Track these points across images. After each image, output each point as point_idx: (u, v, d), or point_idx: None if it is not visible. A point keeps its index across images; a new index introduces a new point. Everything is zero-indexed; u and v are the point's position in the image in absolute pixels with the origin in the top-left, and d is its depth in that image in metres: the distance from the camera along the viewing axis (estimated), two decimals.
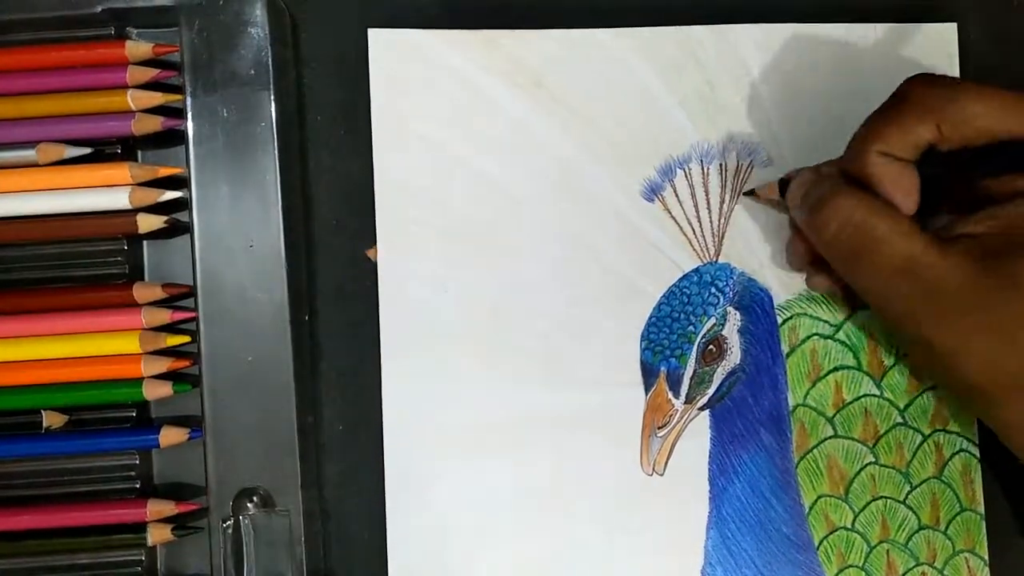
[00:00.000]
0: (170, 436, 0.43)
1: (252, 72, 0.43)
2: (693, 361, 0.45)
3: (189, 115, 0.43)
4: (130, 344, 0.43)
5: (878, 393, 0.45)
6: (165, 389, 0.43)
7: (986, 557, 0.45)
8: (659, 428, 0.45)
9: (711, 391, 0.45)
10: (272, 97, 0.43)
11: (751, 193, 0.46)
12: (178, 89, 0.43)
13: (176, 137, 0.44)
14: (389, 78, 0.46)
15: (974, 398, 0.38)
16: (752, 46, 0.46)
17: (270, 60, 0.43)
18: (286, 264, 0.43)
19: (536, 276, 0.45)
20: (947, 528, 0.45)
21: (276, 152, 0.43)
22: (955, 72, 0.46)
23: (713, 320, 0.45)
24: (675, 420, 0.45)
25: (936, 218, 0.40)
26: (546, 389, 0.45)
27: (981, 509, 0.45)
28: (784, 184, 0.43)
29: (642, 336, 0.45)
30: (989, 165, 0.38)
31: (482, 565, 0.45)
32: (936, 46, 0.46)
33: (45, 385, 0.43)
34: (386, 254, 0.45)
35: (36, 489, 0.43)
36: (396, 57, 0.46)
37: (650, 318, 0.46)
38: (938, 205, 0.40)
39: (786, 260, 0.46)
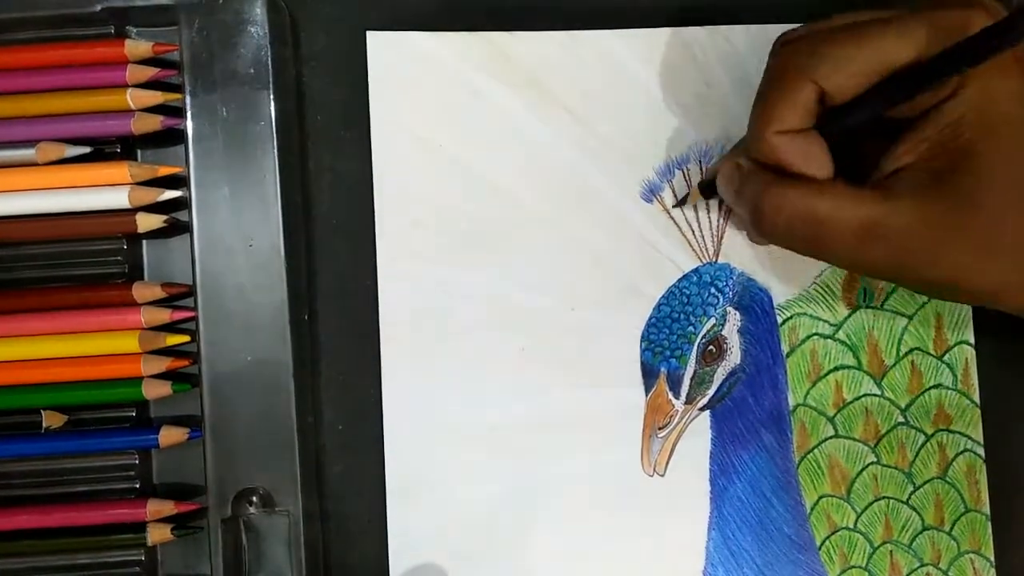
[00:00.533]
0: (170, 436, 0.43)
1: (252, 71, 0.43)
2: (693, 361, 0.45)
3: (189, 114, 0.43)
4: (129, 343, 0.43)
5: (879, 393, 0.45)
6: (164, 388, 0.43)
7: (992, 558, 0.45)
8: (660, 429, 0.45)
9: (711, 391, 0.45)
10: (272, 96, 0.43)
11: (683, 202, 0.45)
12: (178, 88, 0.43)
13: (176, 136, 0.44)
14: (388, 80, 0.45)
15: (990, 303, 0.37)
16: (750, 47, 0.46)
17: (270, 59, 0.43)
18: (286, 263, 0.43)
19: (535, 277, 0.45)
20: (952, 529, 0.45)
21: (276, 151, 0.43)
22: None
23: (713, 320, 0.45)
24: (676, 420, 0.45)
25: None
26: (546, 390, 0.45)
27: (986, 510, 0.45)
28: (705, 187, 0.43)
29: (642, 337, 0.45)
30: (887, 94, 0.36)
31: (482, 565, 0.44)
32: None
33: (44, 384, 0.43)
34: (385, 255, 0.45)
35: (36, 489, 0.43)
36: (395, 59, 0.45)
37: (650, 319, 0.45)
38: (863, 150, 0.39)
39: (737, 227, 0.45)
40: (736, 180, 0.40)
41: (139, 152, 0.45)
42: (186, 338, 0.44)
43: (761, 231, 0.38)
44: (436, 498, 0.44)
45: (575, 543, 0.45)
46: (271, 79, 0.43)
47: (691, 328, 0.45)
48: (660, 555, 0.45)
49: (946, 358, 0.45)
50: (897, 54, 0.35)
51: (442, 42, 0.45)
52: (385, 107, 0.45)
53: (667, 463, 0.45)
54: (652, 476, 0.45)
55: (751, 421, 0.45)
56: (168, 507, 0.43)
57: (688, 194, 0.45)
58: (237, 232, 0.43)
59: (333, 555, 0.45)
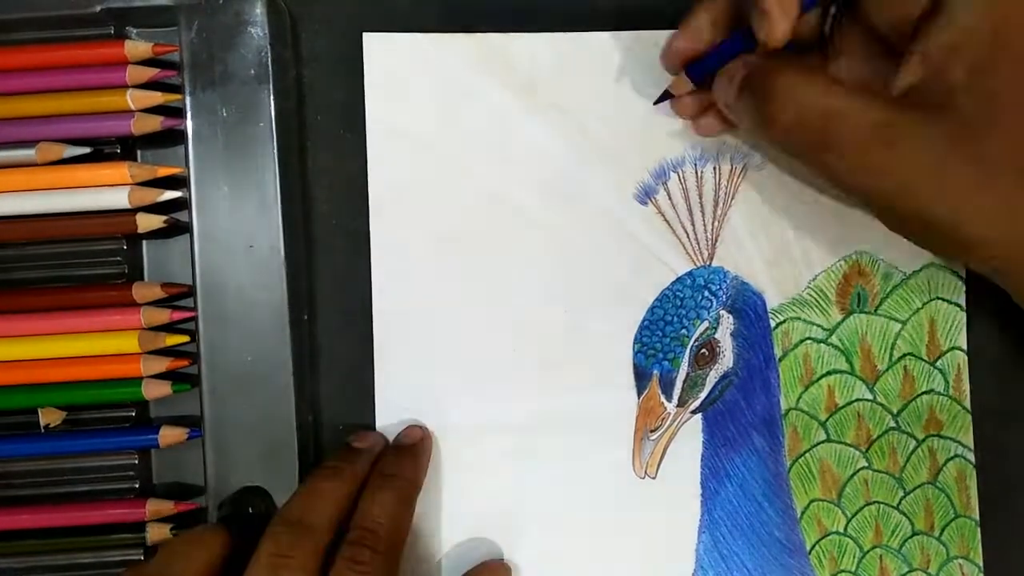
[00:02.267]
0: (169, 436, 0.43)
1: (252, 72, 0.42)
2: (686, 364, 0.44)
3: (188, 115, 0.42)
4: (129, 343, 0.42)
5: (871, 398, 0.45)
6: (164, 389, 0.43)
7: (981, 564, 0.44)
8: (651, 431, 0.44)
9: (703, 394, 0.45)
10: (272, 97, 0.42)
11: (666, 97, 0.43)
12: (177, 89, 0.42)
13: (176, 137, 0.43)
14: (384, 81, 0.44)
15: (977, 251, 0.35)
16: None
17: (270, 60, 0.42)
18: (285, 264, 0.42)
19: (529, 279, 0.45)
20: (941, 534, 0.44)
21: (276, 152, 0.42)
22: None
23: (706, 324, 0.45)
24: (667, 423, 0.45)
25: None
26: (539, 392, 0.44)
27: (976, 515, 0.45)
28: (695, 71, 0.40)
29: (635, 339, 0.45)
30: None
31: (473, 565, 0.43)
32: None
33: (44, 384, 0.42)
34: (380, 256, 0.44)
35: (35, 488, 0.43)
36: (391, 61, 0.44)
37: (643, 321, 0.45)
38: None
39: (673, 109, 0.43)
40: (740, 77, 0.37)
41: (139, 153, 0.45)
42: (186, 338, 0.43)
43: (768, 124, 0.36)
44: (428, 499, 0.44)
45: (566, 544, 0.44)
46: (271, 80, 0.42)
47: (684, 331, 0.45)
48: (650, 557, 0.44)
49: (938, 364, 0.45)
50: None
51: (438, 43, 0.45)
52: (381, 107, 0.44)
53: (658, 465, 0.44)
54: (643, 478, 0.44)
55: (743, 424, 0.45)
56: (168, 507, 0.42)
57: (668, 90, 0.43)
58: (237, 232, 0.42)
59: None
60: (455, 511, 0.44)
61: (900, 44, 0.36)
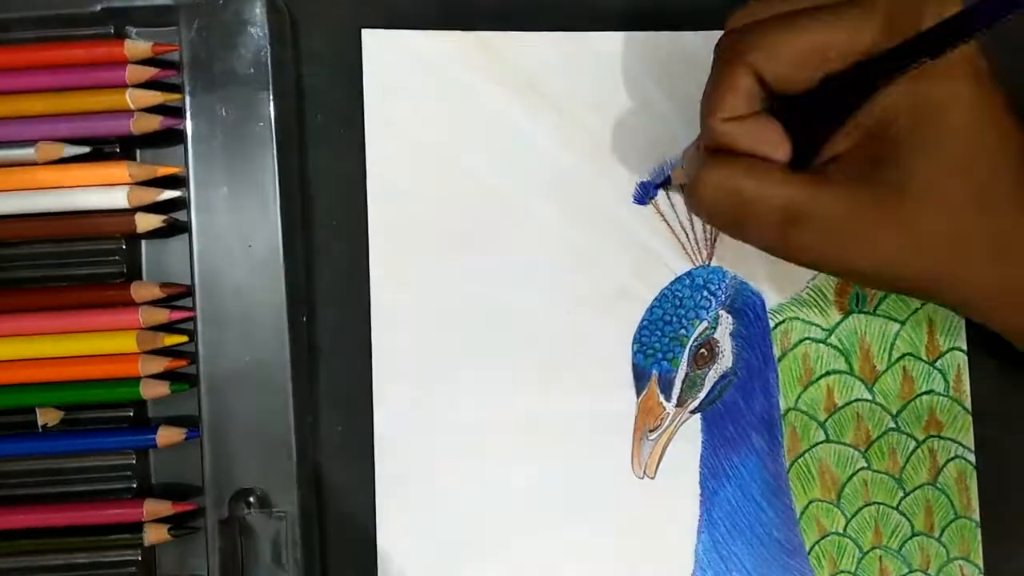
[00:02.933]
0: (167, 436, 0.42)
1: (251, 71, 0.42)
2: (685, 364, 0.44)
3: (188, 114, 0.42)
4: (127, 343, 0.42)
5: (870, 398, 0.44)
6: (162, 388, 0.42)
7: (981, 565, 0.44)
8: (650, 431, 0.44)
9: (702, 394, 0.44)
10: (271, 97, 0.42)
11: (666, 183, 0.44)
12: (177, 88, 0.42)
13: (175, 136, 0.43)
14: (383, 79, 0.44)
15: (921, 296, 0.38)
16: None
17: (269, 59, 0.42)
18: (284, 264, 0.42)
19: (528, 279, 0.44)
20: (941, 535, 0.44)
21: (275, 152, 0.42)
22: None
23: (705, 323, 0.44)
24: (666, 423, 0.44)
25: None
26: (538, 391, 0.44)
27: (976, 516, 0.44)
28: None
29: (634, 339, 0.44)
30: (840, 86, 0.35)
31: (471, 566, 0.43)
32: None
33: (42, 384, 0.42)
34: (379, 256, 0.44)
35: (33, 488, 0.42)
36: (390, 58, 0.44)
37: (642, 321, 0.44)
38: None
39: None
40: (690, 161, 0.40)
41: (138, 152, 0.44)
42: (184, 338, 0.43)
43: (689, 205, 0.38)
44: (425, 498, 0.43)
45: (564, 544, 0.44)
46: (271, 79, 0.42)
47: (683, 331, 0.44)
48: (649, 558, 0.44)
49: (938, 364, 0.45)
50: (832, 40, 0.35)
51: (437, 41, 0.44)
52: (380, 105, 0.44)
53: (657, 466, 0.44)
54: (642, 478, 0.44)
55: (742, 425, 0.44)
56: (165, 507, 0.42)
57: (669, 176, 0.44)
58: (236, 232, 0.42)
59: (330, 556, 0.44)
60: (453, 509, 0.43)
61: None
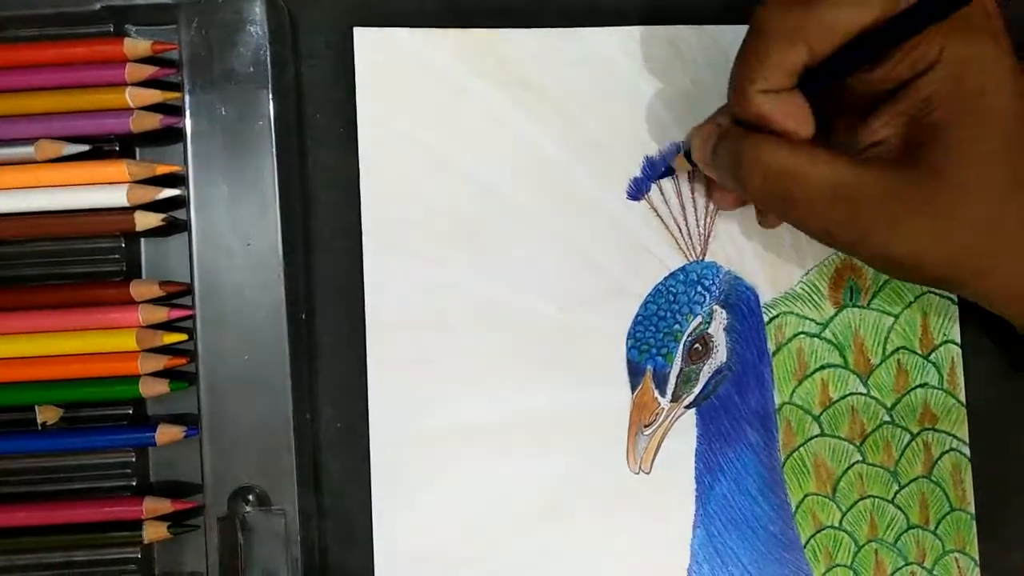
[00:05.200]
0: (166, 434, 0.41)
1: (251, 70, 0.41)
2: (679, 359, 0.43)
3: (187, 113, 0.41)
4: (127, 341, 0.41)
5: (865, 392, 0.44)
6: (162, 387, 0.41)
7: (976, 557, 0.43)
8: (645, 426, 0.43)
9: (697, 389, 0.44)
10: (271, 95, 0.41)
11: (668, 172, 0.44)
12: (177, 87, 0.41)
13: (174, 135, 0.42)
14: (375, 77, 0.43)
15: (948, 286, 0.38)
16: (736, 46, 0.44)
17: (269, 58, 0.41)
18: (284, 262, 0.41)
19: (522, 275, 0.43)
20: (936, 528, 0.43)
21: (274, 150, 0.41)
22: None
23: (699, 319, 0.44)
24: (661, 418, 0.43)
25: (836, 131, 0.38)
26: (533, 388, 0.43)
27: (971, 509, 0.44)
28: (689, 154, 0.42)
29: (628, 334, 0.44)
30: (857, 55, 0.35)
31: (469, 563, 0.43)
32: None
33: (42, 382, 0.41)
34: (372, 253, 0.43)
35: (32, 486, 0.42)
36: (382, 56, 0.44)
37: (636, 316, 0.44)
38: (834, 116, 0.38)
39: (716, 205, 0.44)
40: (714, 138, 0.39)
41: (138, 150, 0.44)
42: (183, 336, 0.42)
43: (737, 181, 0.37)
44: (421, 496, 0.43)
45: (560, 541, 0.43)
46: (270, 78, 0.41)
47: (677, 326, 0.43)
48: (645, 553, 0.43)
49: (932, 357, 0.44)
50: (871, 16, 0.34)
51: (430, 39, 0.44)
52: (372, 103, 0.43)
53: (652, 461, 0.43)
54: (638, 474, 0.43)
55: (737, 419, 0.43)
56: (165, 505, 0.41)
57: (669, 167, 0.43)
58: (235, 231, 0.41)
59: (330, 554, 0.43)
60: (451, 508, 0.43)
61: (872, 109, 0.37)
